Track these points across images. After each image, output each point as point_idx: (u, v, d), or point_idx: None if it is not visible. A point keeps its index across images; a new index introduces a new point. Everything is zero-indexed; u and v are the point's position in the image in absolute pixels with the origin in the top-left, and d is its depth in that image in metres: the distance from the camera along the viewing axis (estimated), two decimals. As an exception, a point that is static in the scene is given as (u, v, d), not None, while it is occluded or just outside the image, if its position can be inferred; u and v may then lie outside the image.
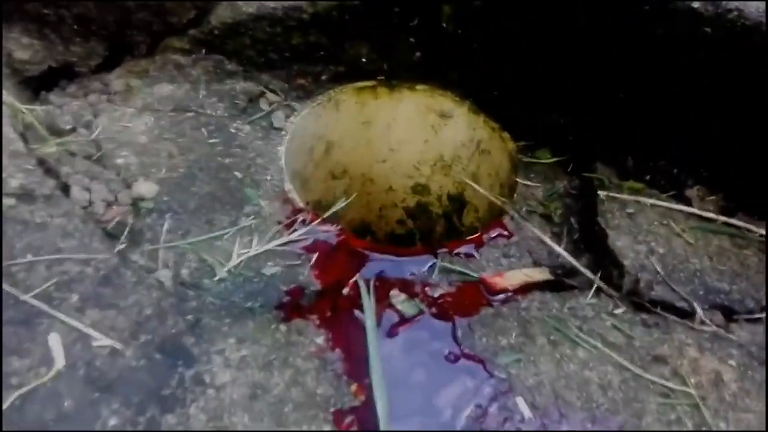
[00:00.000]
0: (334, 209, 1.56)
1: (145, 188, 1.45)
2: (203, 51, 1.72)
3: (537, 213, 1.56)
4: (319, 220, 1.50)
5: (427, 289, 1.39)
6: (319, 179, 2.04)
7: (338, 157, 2.03)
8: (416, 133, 2.01)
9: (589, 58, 1.59)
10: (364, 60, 1.79)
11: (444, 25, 1.74)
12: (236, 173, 1.54)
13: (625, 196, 1.47)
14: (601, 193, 1.48)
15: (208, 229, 1.41)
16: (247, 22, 1.66)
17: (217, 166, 1.54)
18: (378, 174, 2.16)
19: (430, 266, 1.45)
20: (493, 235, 1.52)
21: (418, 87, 1.89)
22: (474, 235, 1.52)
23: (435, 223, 2.24)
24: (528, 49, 1.70)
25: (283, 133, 1.69)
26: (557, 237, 1.51)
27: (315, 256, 1.42)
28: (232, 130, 1.65)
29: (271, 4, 1.66)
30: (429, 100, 1.91)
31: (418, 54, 1.79)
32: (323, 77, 1.81)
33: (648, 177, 1.51)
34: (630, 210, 1.44)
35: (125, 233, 1.37)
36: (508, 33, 1.71)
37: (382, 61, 1.81)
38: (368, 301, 1.33)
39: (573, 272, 1.42)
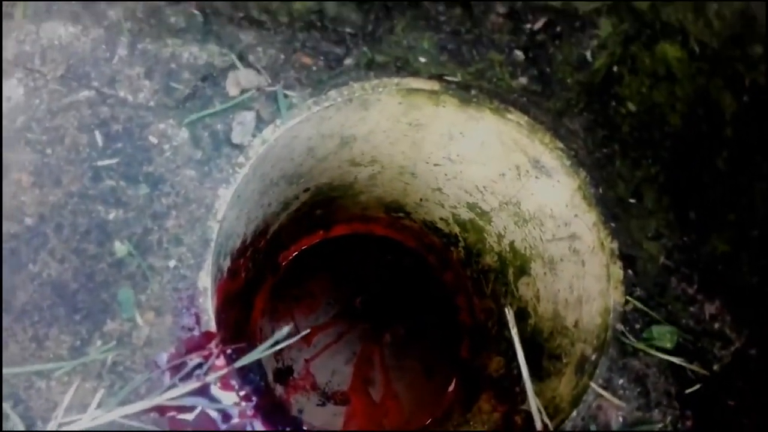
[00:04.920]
0: (266, 350, 0.93)
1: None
2: (131, -22, 0.94)
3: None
4: (229, 367, 0.90)
5: None
6: (329, 167, 1.34)
7: (363, 148, 1.29)
8: (491, 160, 1.22)
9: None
10: (422, 59, 0.96)
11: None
12: (116, 245, 0.90)
13: None
14: None
15: (32, 353, 0.86)
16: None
17: (89, 223, 0.90)
18: (424, 171, 1.42)
19: None
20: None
21: (511, 115, 1.06)
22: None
23: (486, 254, 1.54)
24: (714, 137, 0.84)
25: (241, 159, 0.98)
26: None
27: (187, 449, 0.86)
28: (152, 139, 0.96)
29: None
30: (522, 138, 1.09)
31: (522, 79, 0.95)
32: (346, 62, 1.01)
33: None
34: None
35: None
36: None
37: (458, 68, 0.97)
38: None
39: None
